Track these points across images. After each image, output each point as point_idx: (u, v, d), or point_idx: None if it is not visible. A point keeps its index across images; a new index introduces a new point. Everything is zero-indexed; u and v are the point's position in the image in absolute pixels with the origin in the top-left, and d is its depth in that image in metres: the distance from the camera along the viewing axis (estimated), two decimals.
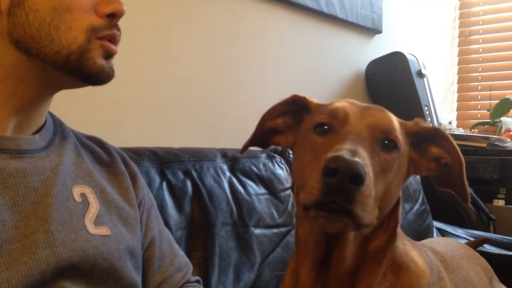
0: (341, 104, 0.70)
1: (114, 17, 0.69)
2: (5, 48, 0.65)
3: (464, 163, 0.72)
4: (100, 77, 0.69)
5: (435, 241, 1.07)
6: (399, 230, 0.74)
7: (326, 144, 0.64)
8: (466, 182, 0.72)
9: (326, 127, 0.68)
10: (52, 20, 0.64)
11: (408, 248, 0.76)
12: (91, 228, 0.70)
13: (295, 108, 0.78)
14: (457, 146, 0.72)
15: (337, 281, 0.70)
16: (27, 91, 0.67)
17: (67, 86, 0.72)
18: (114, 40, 0.70)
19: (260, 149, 0.90)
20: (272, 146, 0.85)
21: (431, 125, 0.75)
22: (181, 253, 0.90)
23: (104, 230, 0.72)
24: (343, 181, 0.54)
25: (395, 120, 0.70)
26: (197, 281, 0.92)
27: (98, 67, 0.68)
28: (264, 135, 0.81)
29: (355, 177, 0.54)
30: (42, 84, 0.68)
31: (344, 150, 0.57)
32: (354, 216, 0.56)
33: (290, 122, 0.79)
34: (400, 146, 0.67)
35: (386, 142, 0.66)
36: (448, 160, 0.73)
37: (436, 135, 0.73)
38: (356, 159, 0.55)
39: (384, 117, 0.69)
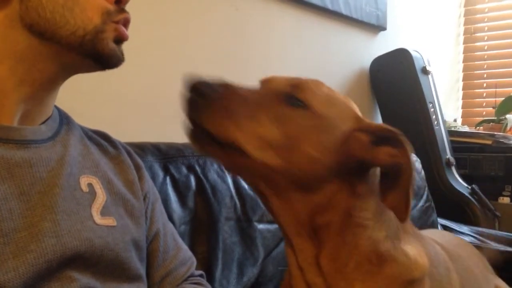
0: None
1: (120, 2, 0.71)
2: (17, 33, 0.65)
3: (413, 175, 0.64)
4: (112, 59, 0.70)
5: (431, 233, 1.07)
6: (409, 225, 0.73)
7: None
8: (410, 195, 0.64)
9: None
10: (65, 2, 0.65)
11: (404, 242, 0.72)
12: (98, 219, 0.70)
13: None
14: (410, 154, 0.65)
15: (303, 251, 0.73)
16: (38, 77, 0.67)
17: (79, 70, 0.73)
18: (127, 23, 0.72)
19: None
20: None
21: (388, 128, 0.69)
22: (184, 247, 0.91)
23: (110, 221, 0.72)
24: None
25: (314, 86, 0.69)
26: (201, 275, 0.91)
27: (110, 49, 0.69)
28: None
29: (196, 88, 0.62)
30: (53, 69, 0.69)
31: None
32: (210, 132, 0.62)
33: None
34: (312, 108, 0.66)
35: (295, 100, 0.67)
36: (400, 160, 0.66)
37: (393, 138, 0.67)
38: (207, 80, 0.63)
39: (301, 79, 0.70)
